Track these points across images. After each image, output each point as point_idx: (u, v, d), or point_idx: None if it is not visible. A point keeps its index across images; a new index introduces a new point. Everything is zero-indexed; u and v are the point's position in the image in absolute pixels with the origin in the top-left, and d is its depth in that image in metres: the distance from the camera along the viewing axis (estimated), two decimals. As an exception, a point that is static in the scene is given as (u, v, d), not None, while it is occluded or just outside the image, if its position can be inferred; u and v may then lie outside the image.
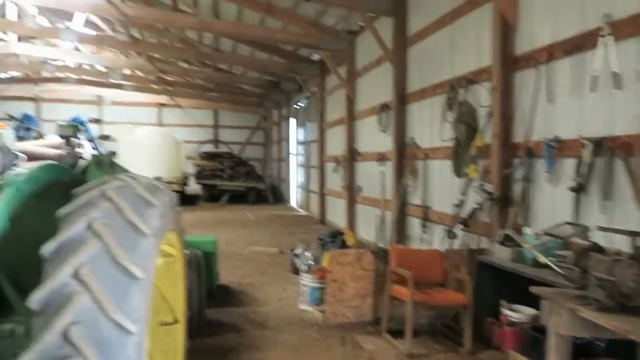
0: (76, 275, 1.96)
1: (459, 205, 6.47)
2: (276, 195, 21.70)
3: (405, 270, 4.83)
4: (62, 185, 2.88)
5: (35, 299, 1.92)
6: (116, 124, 23.12)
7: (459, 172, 6.61)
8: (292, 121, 20.37)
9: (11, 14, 13.64)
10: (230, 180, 20.91)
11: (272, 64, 15.66)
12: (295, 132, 20.12)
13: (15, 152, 2.88)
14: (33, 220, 2.57)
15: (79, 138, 17.82)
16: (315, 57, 14.40)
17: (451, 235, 6.32)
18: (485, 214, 6.00)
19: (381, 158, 9.67)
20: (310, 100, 16.86)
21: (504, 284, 4.88)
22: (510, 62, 5.71)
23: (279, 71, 16.38)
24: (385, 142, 9.47)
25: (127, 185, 2.39)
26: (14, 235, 2.46)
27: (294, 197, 20.50)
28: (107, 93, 22.21)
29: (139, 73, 20.13)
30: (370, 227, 10.40)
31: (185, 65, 18.90)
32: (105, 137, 22.00)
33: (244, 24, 12.97)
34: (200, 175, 21.12)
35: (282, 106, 21.72)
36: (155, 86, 20.53)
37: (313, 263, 6.87)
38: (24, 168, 3.00)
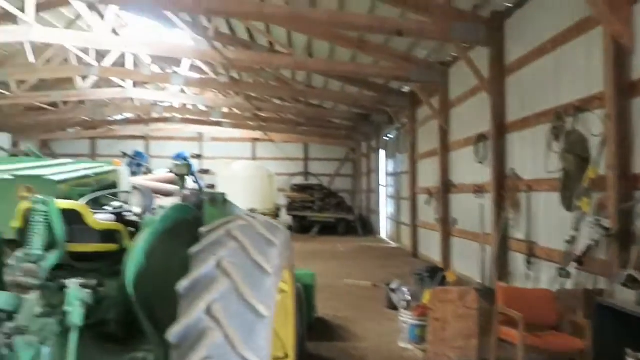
0: (209, 312, 2.10)
1: (571, 241, 6.02)
2: (366, 226, 21.64)
3: (515, 312, 4.56)
4: (187, 223, 3.12)
5: (173, 332, 2.08)
6: (214, 158, 24.59)
7: (569, 205, 6.19)
8: (382, 153, 20.38)
9: (129, 63, 15.26)
10: (320, 212, 21.24)
11: (362, 97, 15.91)
12: (384, 164, 20.09)
13: (151, 194, 3.17)
14: (164, 257, 2.80)
15: (192, 175, 19.20)
16: (406, 89, 14.42)
17: (564, 274, 5.88)
18: (602, 251, 5.53)
19: (478, 190, 9.32)
20: (400, 131, 16.82)
21: (628, 329, 4.43)
22: (626, 87, 5.32)
23: (369, 104, 16.58)
24: (482, 174, 9.14)
25: (249, 225, 2.53)
26: (150, 271, 2.69)
27: (384, 228, 20.30)
28: (207, 130, 23.86)
29: (236, 111, 21.40)
30: (467, 261, 9.98)
31: (278, 102, 19.79)
32: (205, 172, 23.41)
33: (335, 60, 13.38)
34: (291, 207, 21.67)
35: (371, 138, 21.86)
36: (250, 122, 21.65)
37: (410, 299, 6.72)
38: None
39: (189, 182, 15.23)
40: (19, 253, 2.75)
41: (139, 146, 24.59)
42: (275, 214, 20.30)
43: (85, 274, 2.85)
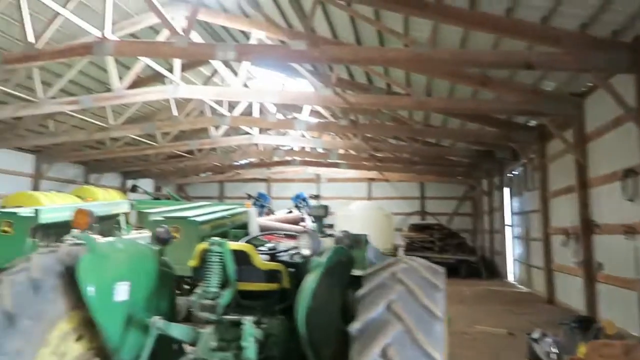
0: (384, 355, 2.11)
1: None
2: (489, 269, 20.41)
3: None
4: (340, 263, 3.21)
5: (351, 376, 2.13)
6: (331, 199, 25.18)
7: None
8: (506, 190, 19.32)
9: (255, 111, 16.46)
10: (440, 253, 20.51)
11: (483, 133, 15.38)
12: (509, 202, 18.98)
13: (319, 237, 3.33)
14: (324, 297, 2.90)
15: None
16: (533, 123, 13.67)
17: None
18: None
19: (630, 231, 8.38)
20: (526, 167, 15.86)
21: None
22: None
23: (491, 140, 15.95)
24: (633, 212, 8.23)
25: (413, 268, 2.54)
26: (316, 310, 2.80)
27: (511, 271, 18.96)
28: (324, 171, 24.64)
29: (352, 152, 21.86)
30: (619, 311, 8.90)
31: (394, 141, 19.86)
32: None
33: (456, 98, 13.17)
34: (410, 247, 21.25)
35: (493, 175, 20.88)
36: (366, 162, 21.93)
37: (557, 351, 6.13)
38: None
39: (308, 222, 15.79)
40: (199, 290, 3.03)
41: (261, 188, 26.12)
42: (393, 254, 20.04)
43: (251, 312, 3.04)
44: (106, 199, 15.25)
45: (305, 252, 2.99)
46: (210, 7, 11.76)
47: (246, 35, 13.18)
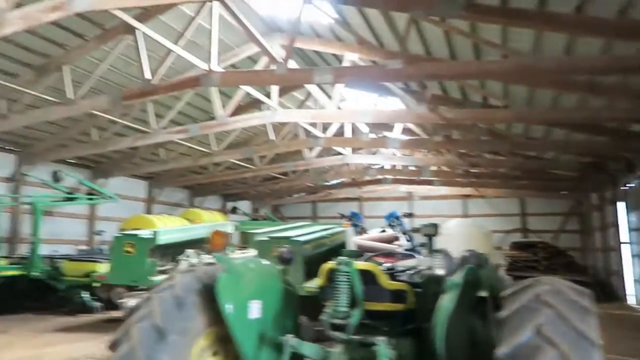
0: (540, 382, 2.01)
1: None
2: (605, 290, 18.67)
3: None
4: (469, 284, 3.13)
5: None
6: (425, 217, 24.62)
7: None
8: (620, 205, 17.69)
9: (347, 132, 16.66)
10: (546, 273, 19.16)
11: (592, 144, 14.30)
12: (624, 218, 17.34)
13: (453, 258, 3.30)
14: (460, 319, 2.83)
15: (405, 234, 19.63)
16: (651, 130, 12.49)
17: None
18: None
19: None
20: (645, 179, 14.47)
21: None
22: None
23: (601, 151, 14.79)
24: None
25: (557, 289, 2.41)
26: (454, 333, 2.75)
27: (631, 293, 17.21)
28: (416, 189, 24.23)
29: (445, 168, 21.32)
30: None
31: (489, 156, 19.06)
32: (417, 230, 23.50)
33: (561, 107, 12.42)
34: (512, 267, 20.10)
35: (604, 188, 19.26)
36: (460, 179, 21.25)
37: None
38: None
39: (403, 241, 15.54)
40: (328, 309, 3.10)
41: (353, 207, 26.22)
42: (494, 274, 19.07)
43: (378, 332, 3.05)
44: (211, 221, 16.17)
45: (440, 271, 2.93)
46: (304, 34, 12.21)
47: (338, 58, 13.49)
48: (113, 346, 2.94)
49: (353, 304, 3.06)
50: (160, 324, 2.87)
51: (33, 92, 11.40)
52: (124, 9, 9.29)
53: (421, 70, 8.86)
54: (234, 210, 23.51)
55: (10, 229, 14.78)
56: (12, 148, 15.16)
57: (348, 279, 3.10)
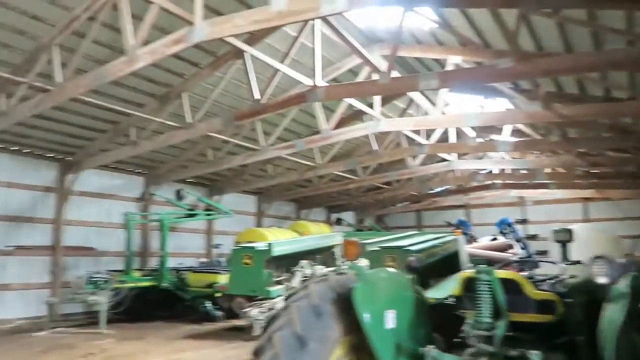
0: None
1: None
2: None
3: None
4: (636, 292, 2.83)
5: None
6: (540, 223, 23.01)
7: None
8: None
9: (452, 137, 16.15)
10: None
11: None
12: None
13: (618, 265, 3.05)
14: (630, 332, 2.58)
15: (520, 242, 18.56)
16: None
17: None
18: None
19: None
20: None
21: None
22: None
23: None
24: None
25: None
26: (625, 349, 2.50)
27: None
28: (528, 193, 22.75)
29: (561, 170, 19.79)
30: None
31: (613, 154, 17.35)
32: (532, 237, 22.07)
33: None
34: (648, 276, 18.03)
35: None
36: (580, 180, 19.59)
37: None
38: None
39: (517, 248, 14.60)
40: (470, 320, 3.00)
41: (459, 215, 25.29)
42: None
43: (524, 345, 2.87)
44: (318, 232, 16.53)
45: (602, 279, 2.71)
46: (405, 42, 12.12)
47: (439, 62, 13.18)
48: (257, 353, 3.07)
49: (496, 314, 2.92)
50: (300, 332, 2.94)
51: (158, 119, 12.53)
52: (235, 35, 9.92)
53: (537, 67, 8.35)
54: (338, 222, 23.81)
55: (141, 244, 16.29)
56: (140, 171, 16.77)
57: (489, 288, 2.97)
